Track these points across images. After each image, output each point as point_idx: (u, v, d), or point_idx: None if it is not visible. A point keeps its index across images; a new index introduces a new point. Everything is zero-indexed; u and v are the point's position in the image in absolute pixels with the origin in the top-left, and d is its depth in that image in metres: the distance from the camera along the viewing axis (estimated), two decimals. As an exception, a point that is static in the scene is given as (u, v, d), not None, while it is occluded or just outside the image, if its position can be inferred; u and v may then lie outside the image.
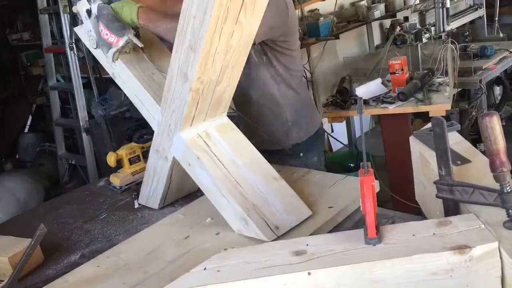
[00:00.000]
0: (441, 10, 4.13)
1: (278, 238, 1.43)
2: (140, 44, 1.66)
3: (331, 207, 1.55)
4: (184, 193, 1.86)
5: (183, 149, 1.57)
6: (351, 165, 4.07)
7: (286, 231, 1.46)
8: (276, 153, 2.03)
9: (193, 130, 1.58)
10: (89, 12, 1.64)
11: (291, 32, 2.08)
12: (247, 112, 2.10)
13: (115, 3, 1.67)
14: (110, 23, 1.60)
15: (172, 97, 1.52)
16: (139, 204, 1.87)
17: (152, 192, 1.80)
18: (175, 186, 1.78)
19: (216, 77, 1.48)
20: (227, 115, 1.68)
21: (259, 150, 1.64)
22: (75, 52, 3.85)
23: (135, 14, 1.66)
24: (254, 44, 1.79)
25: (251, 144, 1.65)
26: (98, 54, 1.73)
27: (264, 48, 2.01)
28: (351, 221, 1.53)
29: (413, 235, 1.00)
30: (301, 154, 2.17)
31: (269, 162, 1.63)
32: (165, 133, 1.61)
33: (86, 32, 1.71)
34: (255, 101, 2.11)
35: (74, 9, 1.70)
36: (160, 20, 1.66)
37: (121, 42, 1.59)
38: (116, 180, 2.05)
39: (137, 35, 1.66)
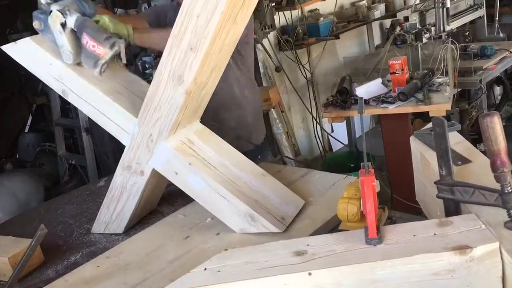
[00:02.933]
0: (441, 10, 4.11)
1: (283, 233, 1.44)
2: (124, 58, 1.58)
3: (331, 207, 1.55)
4: (145, 212, 1.76)
5: (170, 157, 1.51)
6: (351, 165, 4.07)
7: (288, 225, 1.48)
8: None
9: (176, 137, 1.53)
10: (63, 25, 1.53)
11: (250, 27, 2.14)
12: (221, 117, 2.19)
13: (99, 17, 1.61)
14: (97, 34, 1.52)
15: (158, 103, 1.46)
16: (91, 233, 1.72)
17: (116, 216, 1.67)
18: (142, 204, 1.67)
19: (207, 78, 1.46)
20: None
21: None
22: (75, 52, 3.84)
23: (130, 27, 1.70)
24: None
25: (231, 146, 1.65)
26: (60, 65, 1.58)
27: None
28: (352, 221, 1.53)
29: (414, 235, 1.00)
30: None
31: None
32: (143, 145, 1.53)
33: (56, 45, 1.56)
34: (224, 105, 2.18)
35: (35, 24, 1.55)
36: (152, 32, 1.72)
37: (111, 53, 1.52)
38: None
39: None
